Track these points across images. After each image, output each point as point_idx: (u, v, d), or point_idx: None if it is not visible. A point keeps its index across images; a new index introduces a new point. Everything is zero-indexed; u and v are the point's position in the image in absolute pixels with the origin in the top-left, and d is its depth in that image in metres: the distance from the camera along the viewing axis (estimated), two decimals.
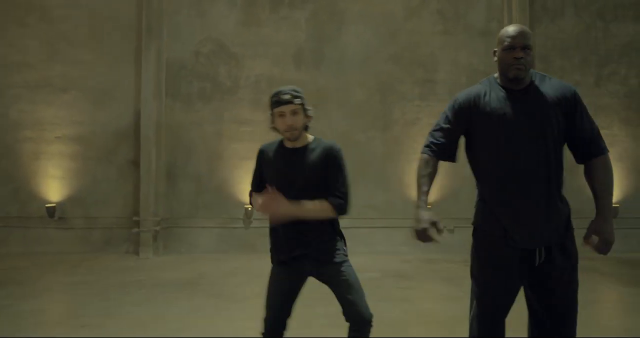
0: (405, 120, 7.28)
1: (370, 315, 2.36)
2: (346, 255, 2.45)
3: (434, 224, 2.11)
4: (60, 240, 6.99)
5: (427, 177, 2.25)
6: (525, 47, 2.18)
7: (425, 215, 2.14)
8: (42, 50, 7.06)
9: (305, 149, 2.40)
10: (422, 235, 2.13)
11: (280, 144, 2.45)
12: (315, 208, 2.29)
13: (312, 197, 2.31)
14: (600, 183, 2.22)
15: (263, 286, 2.89)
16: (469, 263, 2.35)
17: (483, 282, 2.29)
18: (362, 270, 5.97)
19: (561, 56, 7.30)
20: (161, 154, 7.04)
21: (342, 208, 2.33)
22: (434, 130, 2.35)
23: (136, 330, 3.74)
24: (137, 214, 6.92)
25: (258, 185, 2.47)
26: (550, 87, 2.28)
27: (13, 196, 7.05)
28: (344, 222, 8.00)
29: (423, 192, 2.23)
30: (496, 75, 2.33)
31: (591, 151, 2.26)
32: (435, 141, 2.30)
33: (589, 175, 2.27)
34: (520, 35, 2.19)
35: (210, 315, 4.23)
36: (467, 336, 2.35)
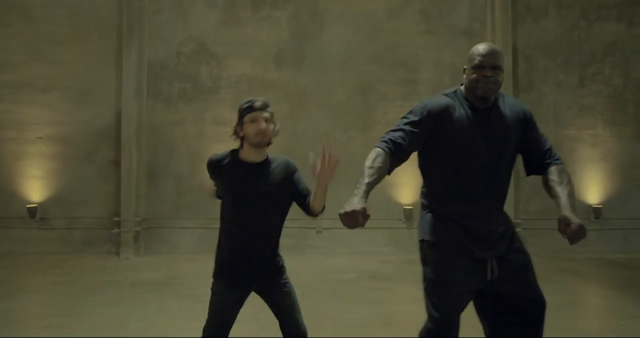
0: (387, 120, 7.23)
1: (306, 332, 2.38)
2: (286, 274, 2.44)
3: (363, 209, 1.90)
4: (42, 241, 7.00)
5: (376, 169, 2.07)
6: (495, 67, 2.18)
7: (356, 200, 1.93)
8: (24, 50, 7.07)
9: (267, 163, 2.36)
10: (348, 219, 1.89)
11: (236, 157, 2.37)
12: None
13: (279, 211, 2.35)
14: (565, 186, 2.23)
15: None
16: None
17: (437, 295, 2.23)
18: (339, 271, 6.04)
19: (545, 56, 7.25)
20: (142, 154, 7.04)
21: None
22: (394, 130, 2.23)
23: (98, 331, 3.76)
24: (118, 214, 6.92)
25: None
26: (509, 108, 2.33)
27: None
28: (325, 223, 7.94)
29: (365, 183, 2.02)
30: (462, 87, 2.32)
31: (552, 161, 2.33)
32: (393, 139, 2.17)
33: (552, 180, 2.28)
34: (491, 54, 2.20)
35: (174, 316, 4.23)
36: None
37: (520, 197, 7.16)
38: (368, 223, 6.97)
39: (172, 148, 7.15)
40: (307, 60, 7.22)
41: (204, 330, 2.33)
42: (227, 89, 7.16)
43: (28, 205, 6.97)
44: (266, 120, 2.29)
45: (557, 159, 2.34)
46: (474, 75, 2.19)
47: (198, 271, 5.97)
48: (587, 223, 7.05)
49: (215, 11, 7.17)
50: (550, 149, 2.35)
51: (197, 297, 4.82)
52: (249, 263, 2.30)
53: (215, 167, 2.35)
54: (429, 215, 2.31)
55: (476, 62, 2.19)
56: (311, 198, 2.30)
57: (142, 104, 7.04)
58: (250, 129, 2.28)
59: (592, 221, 7.11)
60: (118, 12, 7.02)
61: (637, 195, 7.22)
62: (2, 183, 7.07)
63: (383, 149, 2.15)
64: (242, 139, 2.34)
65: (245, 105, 2.30)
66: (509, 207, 7.01)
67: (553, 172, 2.28)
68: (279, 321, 2.39)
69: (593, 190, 7.17)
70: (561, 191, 2.21)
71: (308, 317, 2.46)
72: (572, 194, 2.22)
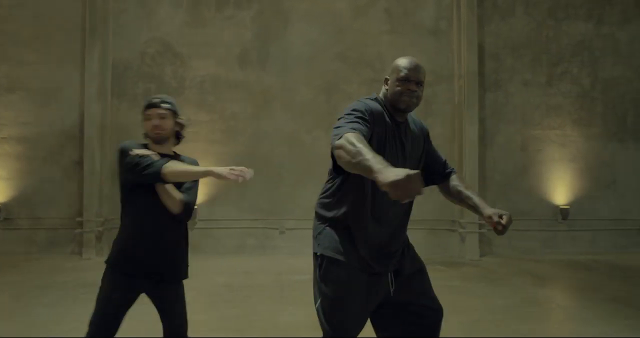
0: None
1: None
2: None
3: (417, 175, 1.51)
4: (6, 241, 7.00)
5: (366, 146, 1.70)
6: (419, 83, 2.14)
7: (399, 170, 1.53)
8: None
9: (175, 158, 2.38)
10: (405, 186, 1.48)
11: (144, 147, 2.36)
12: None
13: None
14: (468, 189, 2.31)
15: (191, 288, 2.81)
16: None
17: (336, 315, 2.08)
18: (296, 272, 5.99)
19: (512, 55, 7.18)
20: (106, 154, 7.03)
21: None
22: (351, 121, 1.95)
23: (31, 331, 3.74)
24: (81, 215, 6.92)
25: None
26: (415, 125, 2.31)
27: None
28: (289, 223, 7.88)
29: (371, 155, 1.64)
30: (381, 97, 2.22)
31: (448, 172, 2.40)
32: (357, 127, 1.90)
33: (458, 186, 2.33)
34: (417, 69, 2.13)
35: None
36: None
37: (487, 198, 7.07)
38: None
39: None
40: (271, 59, 7.18)
41: None
42: (192, 89, 7.14)
43: None
44: (161, 116, 2.31)
45: (452, 169, 2.42)
46: (399, 88, 2.11)
47: None
48: (555, 224, 7.06)
49: (180, 11, 7.16)
50: (446, 161, 2.42)
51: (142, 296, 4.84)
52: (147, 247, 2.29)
53: (123, 153, 2.32)
54: (329, 229, 2.15)
55: (402, 74, 2.11)
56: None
57: (106, 104, 7.03)
58: (146, 126, 2.35)
59: (559, 222, 7.05)
60: (82, 12, 7.01)
61: (605, 196, 7.13)
62: None
63: (352, 132, 1.82)
64: (146, 135, 2.33)
65: (144, 103, 2.36)
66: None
67: (455, 180, 2.36)
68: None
69: (560, 191, 7.09)
70: (471, 193, 2.27)
71: (243, 318, 2.40)
72: (477, 194, 2.30)
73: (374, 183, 1.87)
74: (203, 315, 4.21)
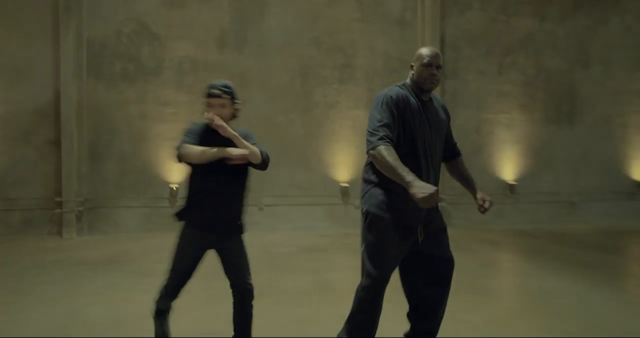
0: (326, 103, 7.67)
1: (253, 287, 2.72)
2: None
3: (436, 189, 2.23)
4: None
5: (399, 160, 2.39)
6: (439, 67, 2.66)
7: (426, 185, 2.25)
8: None
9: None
10: (431, 199, 2.20)
11: (208, 127, 2.61)
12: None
13: (239, 175, 2.64)
14: (468, 173, 2.92)
15: None
16: None
17: (378, 257, 2.63)
18: (280, 245, 6.47)
19: (469, 46, 7.91)
20: (83, 134, 7.03)
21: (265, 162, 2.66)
22: (382, 125, 2.52)
23: (47, 307, 3.94)
24: (59, 194, 6.92)
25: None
26: (438, 103, 2.86)
27: None
28: (266, 201, 8.31)
29: (406, 171, 2.33)
30: (408, 82, 2.73)
31: (457, 153, 2.97)
32: (388, 134, 2.49)
33: (457, 168, 2.95)
34: (437, 56, 2.65)
35: (124, 290, 4.48)
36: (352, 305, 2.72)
37: (446, 174, 7.86)
38: (307, 201, 7.57)
39: (114, 128, 7.18)
40: (248, 43, 7.43)
41: None
42: (170, 70, 7.25)
43: None
44: (222, 105, 2.58)
45: (460, 152, 2.99)
46: (424, 72, 2.63)
47: (142, 248, 6.20)
48: (503, 198, 7.99)
49: None
50: (456, 143, 2.98)
51: (145, 272, 5.11)
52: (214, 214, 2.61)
53: (192, 130, 2.65)
54: (375, 189, 2.66)
55: (425, 61, 2.62)
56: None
57: (82, 84, 6.99)
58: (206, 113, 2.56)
59: (507, 196, 7.98)
60: None
61: (546, 173, 8.16)
62: None
63: (387, 144, 2.46)
64: None
65: (205, 91, 2.59)
66: (442, 185, 7.75)
67: (460, 162, 2.95)
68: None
69: (508, 168, 8.02)
70: (468, 177, 2.89)
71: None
72: (473, 179, 2.90)
73: (407, 152, 2.58)
74: (213, 284, 4.59)
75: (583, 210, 8.22)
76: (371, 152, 2.44)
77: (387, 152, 2.38)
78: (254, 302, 2.75)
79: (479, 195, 2.73)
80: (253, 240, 6.47)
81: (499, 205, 7.94)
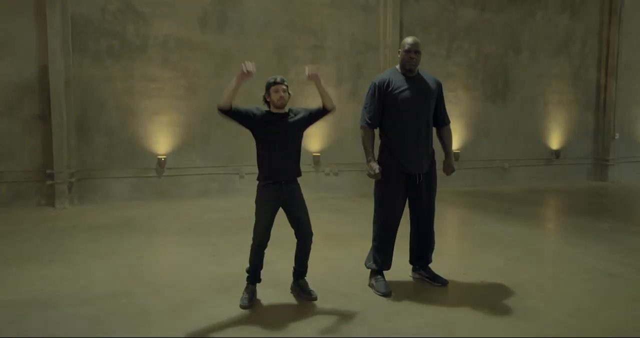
0: (299, 80, 8.40)
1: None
2: None
3: (380, 169, 3.58)
4: None
5: (370, 141, 3.66)
6: (417, 52, 3.63)
7: (375, 165, 3.58)
8: None
9: (288, 114, 3.52)
10: (375, 176, 3.58)
11: (268, 112, 3.49)
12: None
13: (298, 142, 3.53)
14: (447, 141, 3.97)
15: (189, 223, 3.75)
16: (351, 199, 3.79)
17: (384, 196, 3.71)
18: None
19: (423, 31, 8.98)
20: (71, 108, 7.28)
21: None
22: (367, 107, 3.72)
23: (102, 260, 4.53)
24: (48, 167, 7.17)
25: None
26: (429, 77, 3.81)
27: None
28: (247, 169, 8.99)
29: (370, 152, 3.63)
30: (397, 67, 3.76)
31: (444, 121, 3.94)
32: (370, 118, 3.71)
33: (441, 135, 4.00)
34: (415, 44, 3.68)
35: (159, 244, 5.16)
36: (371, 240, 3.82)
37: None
38: None
39: (101, 103, 7.48)
40: (229, 23, 7.96)
41: None
42: (155, 47, 7.63)
43: None
44: (284, 91, 3.46)
45: (448, 120, 4.00)
46: (405, 56, 3.66)
47: (143, 214, 6.76)
48: None
49: None
50: (446, 113, 3.99)
51: (163, 231, 5.77)
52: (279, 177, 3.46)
53: (256, 114, 3.49)
54: (383, 147, 3.76)
55: (406, 48, 3.68)
56: (321, 101, 3.51)
57: (69, 59, 7.19)
58: (274, 96, 3.44)
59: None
60: None
61: (483, 143, 9.59)
62: None
63: (366, 126, 3.73)
64: (267, 102, 3.45)
65: (271, 80, 3.46)
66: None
67: (445, 130, 3.98)
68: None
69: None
70: (447, 143, 3.97)
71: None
72: (450, 146, 3.99)
73: (401, 114, 3.70)
74: (221, 239, 5.39)
75: (512, 174, 9.81)
76: (360, 126, 3.76)
77: (363, 133, 3.69)
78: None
79: (447, 161, 3.92)
80: (238, 205, 7.22)
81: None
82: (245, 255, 3.60)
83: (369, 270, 3.88)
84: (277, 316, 3.30)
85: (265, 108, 3.54)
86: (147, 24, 7.56)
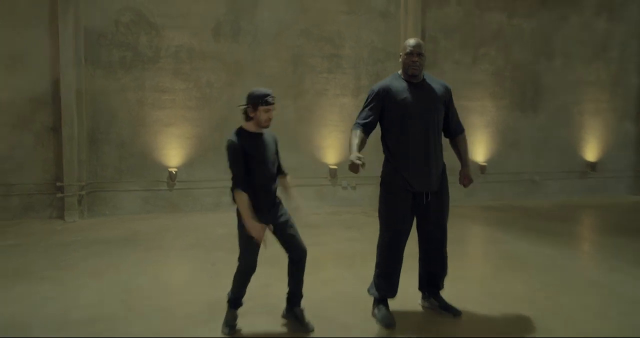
0: (315, 90, 8.16)
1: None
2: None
3: (360, 159, 2.93)
4: None
5: (358, 138, 3.17)
6: (420, 54, 3.22)
7: (354, 154, 3.00)
8: None
9: (262, 134, 3.22)
10: (354, 167, 2.93)
11: (244, 131, 3.13)
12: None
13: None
14: (463, 148, 3.54)
15: (196, 238, 3.51)
16: (367, 214, 3.38)
17: (388, 216, 3.32)
18: None
19: (446, 38, 8.57)
20: (82, 120, 7.21)
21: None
22: (361, 112, 3.34)
23: (94, 279, 4.32)
24: (59, 180, 7.09)
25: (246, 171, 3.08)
26: (436, 83, 3.40)
27: None
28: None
29: (354, 145, 3.12)
30: (400, 72, 3.35)
31: (457, 129, 3.53)
32: (362, 120, 3.29)
33: (455, 144, 3.56)
34: (418, 46, 3.27)
35: (158, 262, 4.91)
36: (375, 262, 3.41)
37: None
38: (298, 182, 8.18)
39: (113, 114, 7.39)
40: (242, 33, 7.77)
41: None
42: (167, 58, 7.50)
43: None
44: (273, 110, 3.16)
45: (462, 129, 3.58)
46: (407, 60, 3.27)
47: (152, 228, 6.56)
48: (475, 177, 8.74)
49: None
50: (459, 121, 3.57)
51: (169, 247, 5.54)
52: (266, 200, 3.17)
53: (240, 146, 3.10)
54: (386, 162, 3.36)
55: (408, 51, 3.27)
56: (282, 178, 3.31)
57: (80, 71, 7.13)
58: (262, 116, 3.10)
59: (479, 176, 8.79)
60: None
61: (511, 155, 9.02)
62: None
63: (357, 128, 3.27)
64: (252, 118, 3.11)
65: (263, 99, 3.07)
66: None
67: (460, 140, 3.56)
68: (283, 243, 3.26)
69: (480, 151, 8.82)
70: (462, 152, 3.54)
71: (273, 253, 3.29)
72: (466, 156, 3.55)
73: (403, 125, 3.26)
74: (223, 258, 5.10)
75: (543, 188, 9.17)
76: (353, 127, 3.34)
77: (352, 133, 3.22)
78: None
79: (463, 171, 3.48)
80: None
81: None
82: None
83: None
84: None
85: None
86: (159, 35, 7.45)
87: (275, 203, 3.23)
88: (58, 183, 7.10)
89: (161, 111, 7.54)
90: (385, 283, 3.39)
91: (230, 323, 3.16)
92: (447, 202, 3.43)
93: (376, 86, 3.37)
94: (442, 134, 3.48)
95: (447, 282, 3.60)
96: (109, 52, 7.30)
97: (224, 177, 7.81)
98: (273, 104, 3.12)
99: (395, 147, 3.30)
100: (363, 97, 8.19)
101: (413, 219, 3.40)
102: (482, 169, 8.78)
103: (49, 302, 3.74)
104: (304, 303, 3.33)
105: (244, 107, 3.15)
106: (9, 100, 7.03)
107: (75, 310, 3.56)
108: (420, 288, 3.61)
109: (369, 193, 8.28)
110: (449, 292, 3.61)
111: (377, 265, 3.43)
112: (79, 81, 7.13)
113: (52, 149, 7.19)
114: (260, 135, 3.19)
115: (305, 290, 3.35)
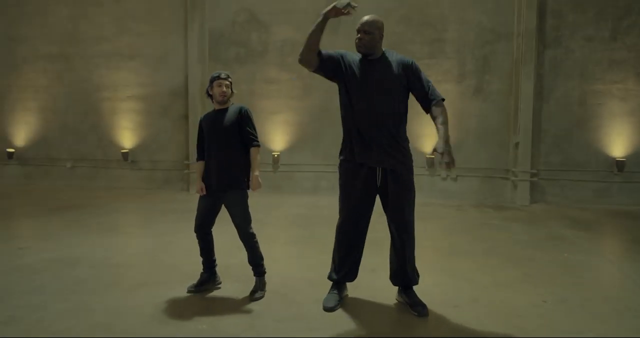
0: None
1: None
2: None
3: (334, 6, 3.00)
4: (132, 179, 8.87)
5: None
6: (366, 32, 3.14)
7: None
8: (113, 25, 8.71)
9: (226, 110, 3.54)
10: (333, 10, 3.03)
11: (211, 111, 3.57)
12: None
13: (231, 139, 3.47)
14: (438, 120, 3.09)
15: (263, 216, 4.03)
16: (461, 209, 3.39)
17: (342, 192, 3.27)
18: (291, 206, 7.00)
19: (574, 11, 7.33)
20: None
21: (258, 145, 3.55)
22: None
23: (163, 235, 5.24)
24: (188, 158, 8.51)
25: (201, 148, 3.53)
26: (394, 59, 3.19)
27: (98, 143, 9.02)
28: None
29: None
30: None
31: (430, 100, 3.17)
32: (326, 53, 3.28)
33: (432, 115, 3.17)
34: (365, 23, 3.21)
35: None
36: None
37: (541, 150, 7.57)
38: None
39: None
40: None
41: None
42: (274, 52, 8.25)
43: (122, 150, 8.84)
44: (226, 86, 3.45)
45: (436, 97, 3.14)
46: (356, 38, 3.24)
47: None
48: (610, 176, 7.39)
49: None
50: (431, 91, 3.16)
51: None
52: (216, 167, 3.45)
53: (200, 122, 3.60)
54: (343, 142, 3.27)
55: (356, 27, 3.23)
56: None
57: (205, 67, 8.39)
58: (216, 91, 3.45)
59: (614, 174, 7.35)
60: None
61: None
62: (103, 133, 8.98)
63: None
64: (211, 96, 3.49)
65: (214, 75, 3.46)
66: (525, 159, 7.41)
67: (435, 111, 3.12)
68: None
69: (618, 143, 7.33)
70: (438, 123, 3.06)
71: (307, 237, 3.49)
72: (442, 127, 3.04)
73: (356, 103, 3.11)
74: (281, 233, 5.51)
75: None
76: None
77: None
78: None
79: (437, 143, 2.98)
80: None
81: (602, 183, 7.37)
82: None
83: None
84: (194, 308, 3.30)
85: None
86: (267, 32, 8.22)
87: (226, 171, 3.41)
88: (185, 162, 8.52)
89: (268, 100, 8.34)
90: (337, 265, 3.37)
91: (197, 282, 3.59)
92: (409, 187, 3.20)
93: (343, 53, 3.33)
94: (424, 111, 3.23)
95: (453, 283, 3.31)
96: (227, 49, 8.39)
97: (322, 162, 8.34)
98: (224, 79, 3.43)
99: (344, 119, 3.25)
100: (467, 83, 7.69)
101: (372, 203, 3.28)
102: (619, 165, 7.30)
103: (99, 248, 4.74)
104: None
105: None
106: (155, 93, 8.70)
107: (92, 257, 4.46)
108: (391, 280, 3.44)
109: (472, 186, 7.73)
110: (444, 290, 3.34)
111: (334, 245, 3.42)
112: (204, 76, 8.37)
113: (184, 133, 8.64)
114: (223, 110, 3.48)
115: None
